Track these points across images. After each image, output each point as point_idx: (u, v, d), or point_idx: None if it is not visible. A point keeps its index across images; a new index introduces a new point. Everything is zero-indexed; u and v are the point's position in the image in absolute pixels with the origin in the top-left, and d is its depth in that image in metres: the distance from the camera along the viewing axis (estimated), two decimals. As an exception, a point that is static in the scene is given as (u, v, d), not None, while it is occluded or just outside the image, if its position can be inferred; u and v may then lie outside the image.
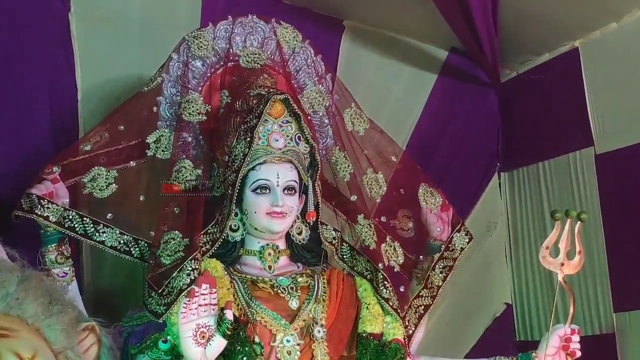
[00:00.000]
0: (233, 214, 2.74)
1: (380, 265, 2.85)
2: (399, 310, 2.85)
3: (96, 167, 2.82)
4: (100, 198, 2.80)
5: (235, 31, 2.97)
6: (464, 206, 3.92)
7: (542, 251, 2.78)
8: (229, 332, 2.41)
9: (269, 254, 2.81)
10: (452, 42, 4.06)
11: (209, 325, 2.41)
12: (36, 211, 2.66)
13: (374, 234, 2.91)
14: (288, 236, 2.87)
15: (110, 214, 2.79)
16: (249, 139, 2.70)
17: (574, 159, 3.88)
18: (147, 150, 2.88)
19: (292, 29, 3.06)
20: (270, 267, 2.79)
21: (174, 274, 2.50)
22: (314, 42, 3.11)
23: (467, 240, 3.14)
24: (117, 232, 2.77)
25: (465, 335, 4.12)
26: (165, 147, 2.88)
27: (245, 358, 2.50)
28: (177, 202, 2.71)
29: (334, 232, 2.94)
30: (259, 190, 2.73)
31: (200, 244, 2.63)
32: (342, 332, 2.75)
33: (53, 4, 3.23)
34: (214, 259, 2.68)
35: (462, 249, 3.12)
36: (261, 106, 2.72)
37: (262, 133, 2.73)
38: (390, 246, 2.99)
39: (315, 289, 2.76)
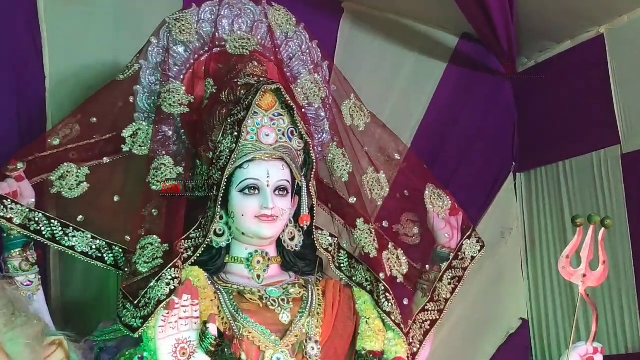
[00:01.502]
0: (218, 217, 2.74)
1: (381, 275, 2.85)
2: (402, 326, 2.84)
3: (66, 164, 2.82)
4: (70, 198, 2.80)
5: (222, 13, 2.97)
6: (475, 210, 3.93)
7: (561, 261, 2.77)
8: (212, 349, 2.41)
9: (258, 262, 2.81)
10: (464, 27, 4.07)
11: (190, 341, 2.40)
12: (-2, 212, 2.66)
13: (374, 240, 2.91)
14: (279, 242, 2.87)
15: (81, 216, 2.78)
16: (236, 133, 2.70)
17: (597, 159, 3.88)
18: (122, 145, 2.88)
19: (285, 11, 3.07)
20: (259, 277, 2.79)
21: (152, 284, 2.50)
22: (310, 26, 3.11)
23: (479, 248, 3.15)
24: (89, 236, 2.77)
25: (476, 354, 4.12)
26: (143, 142, 2.88)
27: (230, 377, 2.51)
28: (155, 203, 2.71)
29: (330, 238, 2.94)
30: (246, 191, 2.73)
31: (181, 250, 2.63)
32: (339, 349, 2.75)
33: (18, -17, 3.24)
34: (197, 267, 2.68)
35: (473, 257, 3.12)
36: (250, 97, 2.72)
37: (250, 127, 2.73)
38: (393, 254, 3.00)
39: (309, 301, 2.76)
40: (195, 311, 2.43)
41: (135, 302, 2.51)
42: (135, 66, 2.93)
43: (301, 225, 2.86)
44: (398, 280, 2.97)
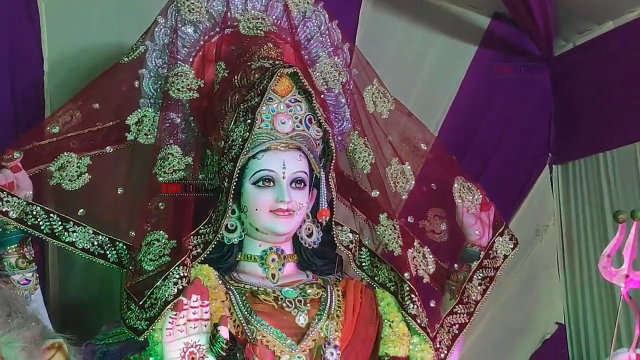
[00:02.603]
0: (230, 211, 2.75)
1: (406, 275, 2.85)
2: (428, 330, 2.85)
3: (65, 153, 2.83)
4: (71, 190, 2.81)
5: (235, -9, 2.98)
6: (508, 205, 3.93)
7: (602, 260, 2.76)
8: (223, 353, 2.42)
9: (273, 260, 2.82)
10: (496, 7, 4.06)
11: (200, 345, 2.42)
12: (-7, 206, 2.67)
13: (399, 237, 2.91)
14: (296, 239, 2.88)
15: (82, 210, 2.79)
16: (249, 121, 2.70)
17: (641, 150, 3.87)
18: (126, 134, 2.89)
19: (302, -12, 3.07)
20: (273, 276, 2.80)
21: (158, 283, 2.51)
22: (329, 5, 3.11)
23: (512, 246, 3.15)
24: (90, 231, 2.78)
25: (509, 361, 4.13)
26: (149, 130, 2.89)
27: (242, 384, 2.51)
28: (162, 196, 2.71)
29: (351, 235, 2.96)
30: (260, 183, 2.74)
31: (190, 247, 2.64)
32: (360, 354, 2.76)
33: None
34: (207, 265, 2.69)
35: (505, 256, 3.12)
36: (264, 81, 2.72)
37: (265, 114, 2.74)
38: (419, 252, 3.01)
39: (328, 302, 2.77)
40: (205, 313, 2.44)
41: (141, 302, 2.52)
42: (141, 48, 2.93)
43: (319, 220, 2.87)
44: (424, 281, 2.98)
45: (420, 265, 2.98)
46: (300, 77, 2.76)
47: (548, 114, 4.30)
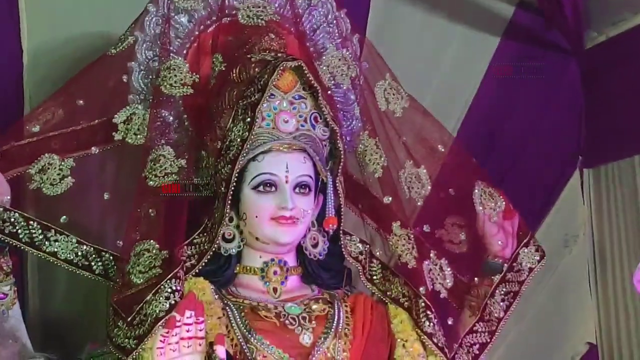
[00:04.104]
0: (227, 218, 2.74)
1: (421, 289, 2.85)
2: (446, 350, 2.84)
3: (47, 155, 2.83)
4: (52, 195, 2.81)
5: (233, -24, 2.99)
6: (533, 213, 3.94)
7: (637, 273, 2.77)
8: (219, 375, 2.42)
9: (275, 273, 2.82)
10: (521, -5, 4.07)
11: (194, 366, 2.42)
12: (-33, 212, 2.68)
13: (413, 247, 2.91)
14: (300, 250, 2.88)
15: (64, 217, 2.80)
16: (249, 119, 2.70)
17: (682, 152, 3.87)
18: (114, 133, 2.89)
19: (307, -26, 3.08)
20: (275, 290, 2.80)
21: (148, 297, 2.50)
22: (336, -8, 3.12)
23: (538, 258, 3.14)
24: (74, 240, 2.78)
25: (534, 384, 4.13)
26: (138, 129, 2.89)
27: (240, 410, 2.52)
28: (153, 202, 2.71)
29: (360, 245, 2.96)
30: (261, 188, 2.74)
31: (184, 258, 2.65)
32: (370, 377, 2.76)
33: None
34: (202, 278, 2.70)
35: (530, 269, 3.12)
36: (266, 76, 2.72)
37: (266, 112, 2.74)
38: (436, 264, 3.00)
39: (335, 319, 2.77)
40: (200, 330, 2.44)
41: (129, 319, 2.51)
42: (130, 39, 2.94)
43: (326, 229, 2.87)
44: (441, 296, 2.98)
45: (437, 278, 2.98)
46: (305, 71, 2.76)
47: (578, 113, 4.30)
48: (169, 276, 2.52)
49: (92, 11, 3.35)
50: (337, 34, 3.07)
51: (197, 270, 2.69)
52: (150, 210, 2.69)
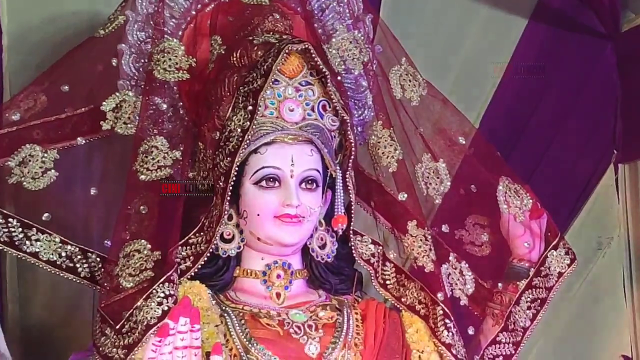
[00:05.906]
0: (226, 216, 2.75)
1: (439, 295, 2.85)
2: (465, 362, 2.86)
3: (28, 145, 2.84)
4: (34, 190, 2.82)
5: (233, -52, 2.99)
6: (563, 212, 3.94)
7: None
8: (217, 388, 2.43)
9: (278, 277, 2.82)
10: (551, -28, 4.07)
11: (189, 378, 2.43)
12: (-59, 209, 2.69)
13: (431, 249, 2.91)
14: (306, 251, 2.89)
15: (47, 214, 2.81)
16: (250, 107, 2.70)
17: None
18: (102, 122, 2.89)
19: (314, -52, 3.08)
20: (278, 295, 2.81)
21: (139, 303, 2.51)
22: (347, -31, 3.12)
23: (568, 261, 3.14)
24: (57, 240, 2.79)
25: (565, 401, 4.13)
26: (129, 117, 2.89)
27: None
28: (144, 198, 2.71)
29: (372, 247, 2.96)
30: (264, 183, 2.74)
31: (178, 260, 2.66)
32: (383, 391, 2.77)
33: None
34: (198, 281, 2.70)
35: (560, 274, 3.12)
36: (269, 60, 2.73)
37: (270, 99, 2.74)
38: (455, 268, 3.01)
39: (345, 328, 2.78)
40: (196, 339, 2.44)
41: (118, 326, 2.52)
42: (120, 18, 2.94)
43: (335, 228, 2.87)
44: (461, 303, 2.98)
45: (456, 284, 2.98)
46: (313, 55, 2.76)
47: (613, 102, 4.29)
48: (162, 280, 2.53)
49: (78, -12, 3.37)
50: (348, 14, 3.07)
51: (192, 273, 2.70)
52: (141, 207, 2.69)
